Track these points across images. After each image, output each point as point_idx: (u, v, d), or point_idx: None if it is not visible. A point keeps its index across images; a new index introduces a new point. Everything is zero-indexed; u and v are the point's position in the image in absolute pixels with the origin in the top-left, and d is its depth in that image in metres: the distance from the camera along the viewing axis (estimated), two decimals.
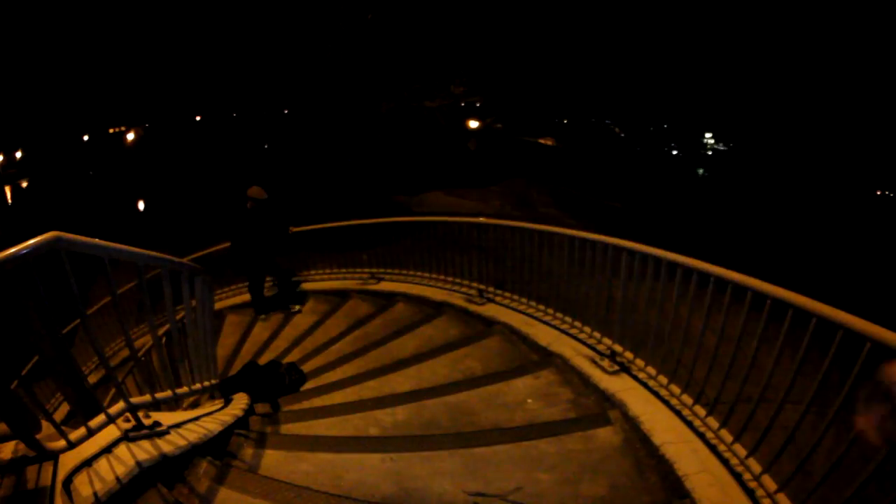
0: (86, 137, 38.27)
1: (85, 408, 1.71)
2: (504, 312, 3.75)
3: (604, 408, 2.57)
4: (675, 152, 44.84)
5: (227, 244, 5.27)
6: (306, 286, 5.72)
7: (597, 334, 3.15)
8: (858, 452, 1.52)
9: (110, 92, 37.36)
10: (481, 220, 4.28)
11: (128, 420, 1.78)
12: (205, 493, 1.80)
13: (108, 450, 1.66)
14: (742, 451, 2.05)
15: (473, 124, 26.32)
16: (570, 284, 3.34)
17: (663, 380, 2.60)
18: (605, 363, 2.83)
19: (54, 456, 1.55)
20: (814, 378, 1.69)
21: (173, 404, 2.80)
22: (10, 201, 29.05)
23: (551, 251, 3.41)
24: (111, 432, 1.71)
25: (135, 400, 1.82)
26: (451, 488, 2.06)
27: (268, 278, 5.59)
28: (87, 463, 1.60)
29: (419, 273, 4.97)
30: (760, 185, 31.91)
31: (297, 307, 5.19)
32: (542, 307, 3.65)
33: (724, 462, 2.04)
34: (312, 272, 5.90)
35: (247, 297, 5.99)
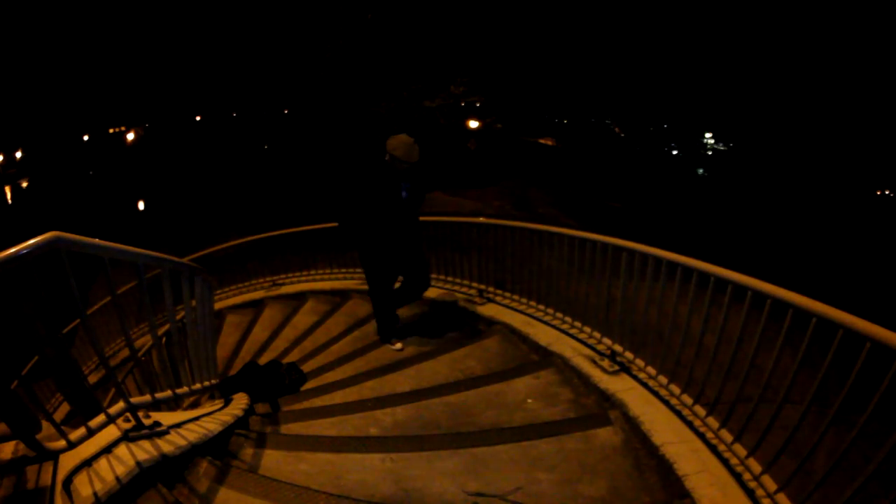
0: (86, 137, 38.30)
1: (85, 408, 1.71)
2: (504, 312, 3.75)
3: (604, 408, 2.57)
4: (675, 152, 44.86)
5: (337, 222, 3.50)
6: (304, 286, 5.69)
7: (597, 334, 3.15)
8: (858, 452, 1.52)
9: (110, 92, 37.41)
10: (481, 220, 4.28)
11: (128, 420, 1.78)
12: (205, 493, 1.80)
13: (108, 450, 1.67)
14: (742, 451, 2.05)
15: (473, 124, 26.30)
16: (570, 284, 3.34)
17: (663, 380, 2.60)
18: (605, 363, 2.83)
19: (54, 456, 1.55)
20: (814, 378, 1.69)
21: (173, 404, 2.81)
22: (10, 201, 29.06)
23: (551, 251, 3.40)
24: (111, 432, 1.71)
25: (135, 400, 1.81)
26: (451, 488, 2.06)
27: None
28: (87, 463, 1.60)
29: None
30: (760, 185, 31.92)
31: (399, 344, 3.61)
32: (542, 307, 3.65)
33: (724, 462, 2.04)
34: (312, 272, 5.90)
35: (247, 296, 5.99)
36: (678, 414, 2.37)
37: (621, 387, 2.62)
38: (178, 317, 2.40)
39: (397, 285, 3.70)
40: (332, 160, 20.46)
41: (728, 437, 2.13)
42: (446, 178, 20.60)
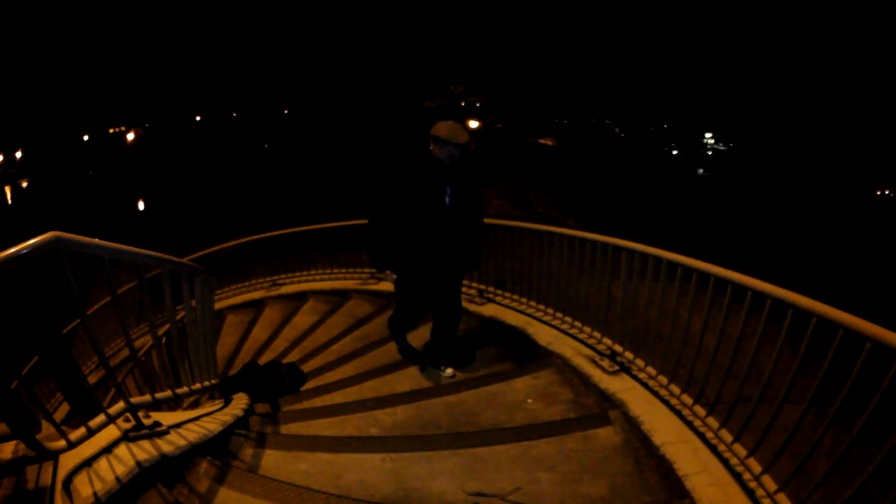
0: (86, 137, 38.32)
1: (85, 408, 1.71)
2: (504, 312, 3.75)
3: (604, 408, 2.57)
4: (675, 152, 44.83)
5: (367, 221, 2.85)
6: (304, 286, 5.69)
7: (597, 334, 3.15)
8: (858, 452, 1.52)
9: (110, 92, 37.43)
10: None
11: (128, 420, 1.78)
12: (205, 493, 1.81)
13: (108, 450, 1.66)
14: (742, 451, 2.05)
15: (473, 124, 26.31)
16: (570, 284, 3.34)
17: (663, 380, 2.60)
18: (605, 363, 2.83)
19: (54, 456, 1.55)
20: (814, 378, 1.69)
21: (173, 404, 2.81)
22: (10, 201, 29.08)
23: (551, 251, 3.41)
24: (111, 432, 1.71)
25: (135, 400, 1.81)
26: (451, 488, 2.06)
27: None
28: (87, 463, 1.60)
29: None
30: (760, 185, 31.91)
31: (451, 371, 3.11)
32: (542, 307, 3.65)
33: (724, 462, 2.04)
34: (313, 272, 5.90)
35: (247, 296, 5.99)
36: (678, 414, 2.37)
37: (621, 387, 2.62)
38: (178, 317, 2.40)
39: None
40: (337, 162, 20.45)
41: (728, 437, 2.13)
42: None
